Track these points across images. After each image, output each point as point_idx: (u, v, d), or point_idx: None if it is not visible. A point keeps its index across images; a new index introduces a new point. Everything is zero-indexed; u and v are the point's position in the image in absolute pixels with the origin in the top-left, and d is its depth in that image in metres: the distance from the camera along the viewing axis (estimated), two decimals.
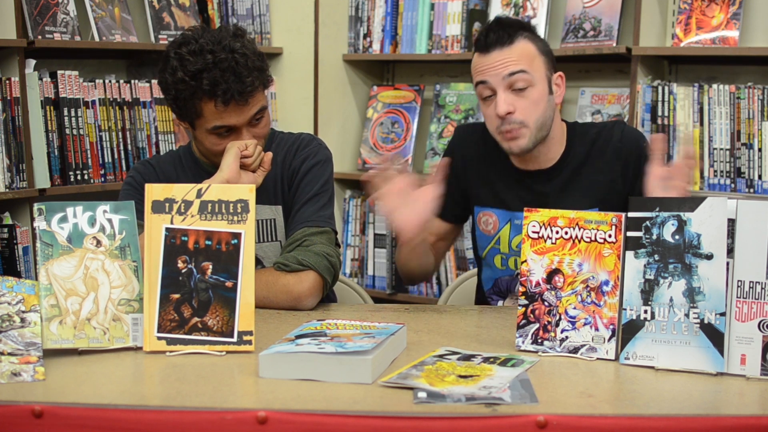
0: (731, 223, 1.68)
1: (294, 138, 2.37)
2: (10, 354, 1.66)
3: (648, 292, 1.73)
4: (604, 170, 2.29)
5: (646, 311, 1.73)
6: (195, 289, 1.81)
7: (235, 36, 2.18)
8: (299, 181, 2.30)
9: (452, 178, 2.39)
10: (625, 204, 2.14)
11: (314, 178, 2.29)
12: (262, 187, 2.23)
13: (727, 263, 1.68)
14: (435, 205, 2.16)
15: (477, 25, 3.78)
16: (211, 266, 1.82)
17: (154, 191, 1.84)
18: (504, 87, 2.20)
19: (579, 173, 2.30)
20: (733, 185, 3.21)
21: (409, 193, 2.14)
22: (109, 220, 1.83)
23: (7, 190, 3.10)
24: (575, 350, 1.79)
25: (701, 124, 3.26)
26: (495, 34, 2.21)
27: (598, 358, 1.77)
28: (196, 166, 2.32)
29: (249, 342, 1.80)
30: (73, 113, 3.26)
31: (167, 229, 1.82)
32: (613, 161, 2.29)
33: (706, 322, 1.69)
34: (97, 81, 3.35)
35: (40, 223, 1.80)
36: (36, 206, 1.81)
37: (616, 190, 2.27)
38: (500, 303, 2.41)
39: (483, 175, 2.37)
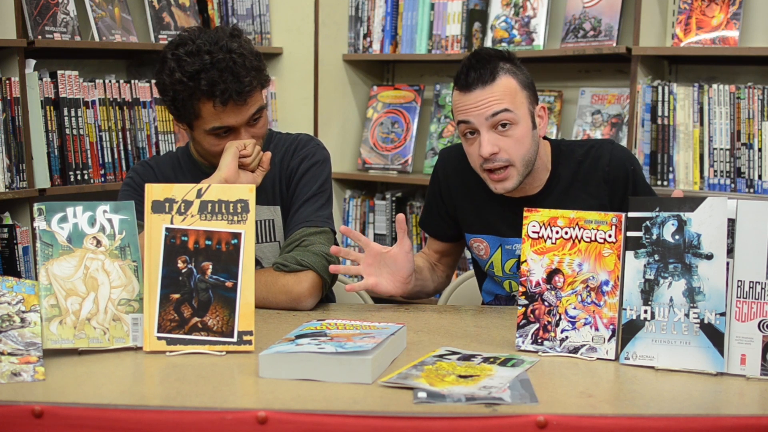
0: (731, 223, 1.68)
1: (292, 138, 2.37)
2: (10, 354, 1.66)
3: (648, 292, 1.73)
4: (593, 194, 2.23)
5: (646, 311, 1.73)
6: (195, 289, 1.81)
7: (232, 36, 2.18)
8: (297, 181, 2.30)
9: (440, 203, 2.38)
10: None
11: (312, 178, 2.29)
12: (261, 188, 2.23)
13: (727, 263, 1.68)
14: (411, 256, 2.20)
15: (477, 25, 3.78)
16: (211, 266, 1.82)
17: (154, 191, 1.83)
18: (487, 127, 2.12)
19: (567, 196, 2.24)
20: (733, 185, 3.21)
21: (383, 258, 2.18)
22: (109, 220, 1.83)
23: (7, 190, 3.10)
24: (575, 350, 1.79)
25: (701, 124, 3.26)
26: (476, 72, 2.13)
27: (598, 358, 1.77)
28: (194, 167, 2.32)
29: (249, 342, 1.80)
30: (73, 113, 3.27)
31: (167, 229, 1.82)
32: (601, 185, 2.23)
33: (706, 322, 1.69)
34: (97, 81, 3.35)
35: (40, 223, 1.80)
36: (36, 206, 1.81)
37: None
38: None
39: (471, 201, 2.33)
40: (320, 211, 2.26)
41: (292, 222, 2.26)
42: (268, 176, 2.25)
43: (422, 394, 1.53)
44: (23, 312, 1.74)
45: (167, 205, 1.83)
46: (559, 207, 2.13)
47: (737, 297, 1.68)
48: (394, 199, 3.99)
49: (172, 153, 2.41)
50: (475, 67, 2.14)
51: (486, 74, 2.13)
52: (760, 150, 3.16)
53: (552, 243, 1.82)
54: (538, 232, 1.83)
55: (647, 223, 1.74)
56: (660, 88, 3.30)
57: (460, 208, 2.36)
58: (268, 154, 2.21)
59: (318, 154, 2.33)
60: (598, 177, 2.24)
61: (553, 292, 1.81)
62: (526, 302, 1.83)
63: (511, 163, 2.15)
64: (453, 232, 2.41)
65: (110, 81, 3.39)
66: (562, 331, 1.80)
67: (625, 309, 1.75)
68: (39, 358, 1.67)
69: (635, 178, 2.24)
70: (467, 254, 3.75)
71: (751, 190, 3.18)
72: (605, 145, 2.28)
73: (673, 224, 1.72)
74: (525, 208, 1.85)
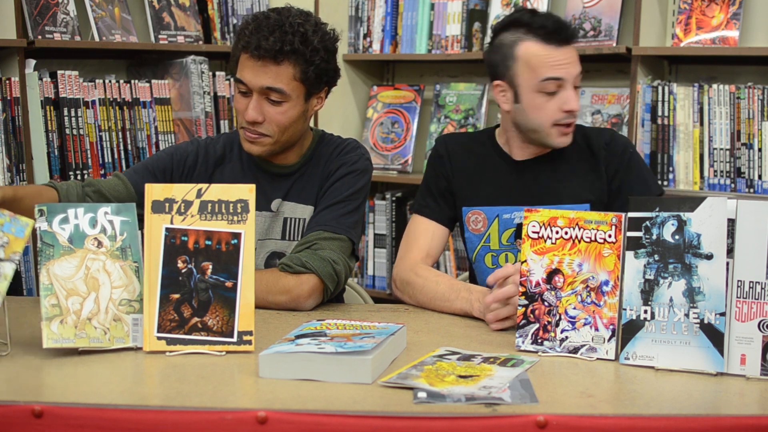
0: (731, 223, 1.68)
1: (339, 142, 2.36)
2: None
3: (648, 292, 1.73)
4: (595, 170, 2.34)
5: (646, 311, 1.73)
6: (195, 289, 1.81)
7: (306, 17, 2.23)
8: (330, 185, 2.27)
9: (443, 182, 2.41)
10: (607, 204, 2.28)
11: (345, 184, 2.27)
12: (303, 187, 2.27)
13: (727, 263, 1.68)
14: None
15: (477, 25, 3.78)
16: (211, 266, 1.82)
17: (154, 191, 1.83)
18: (573, 84, 2.25)
19: (566, 162, 2.35)
20: (733, 185, 3.21)
21: None
22: (110, 222, 1.83)
23: None
24: (575, 350, 1.79)
25: (701, 124, 3.26)
26: (568, 29, 2.24)
27: (598, 358, 1.77)
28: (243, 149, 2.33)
29: (249, 342, 1.80)
30: (73, 113, 3.26)
31: (167, 229, 1.82)
32: (601, 162, 2.34)
33: (706, 322, 1.69)
34: (97, 81, 3.35)
35: (41, 224, 1.80)
36: (37, 207, 1.81)
37: (603, 190, 2.33)
38: None
39: (470, 175, 2.39)
40: (343, 218, 2.23)
41: (312, 223, 2.25)
42: (312, 175, 2.27)
43: (422, 394, 1.53)
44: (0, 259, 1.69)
45: (167, 205, 1.83)
46: (556, 171, 2.33)
47: (737, 297, 1.68)
48: (394, 199, 3.99)
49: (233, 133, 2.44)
50: (565, 25, 2.26)
51: (576, 33, 2.28)
52: (760, 150, 3.15)
53: (552, 243, 1.82)
54: (537, 232, 1.83)
55: (647, 223, 1.74)
56: (660, 88, 3.30)
57: (460, 183, 2.39)
58: None
59: (359, 163, 2.31)
60: (603, 154, 2.34)
61: (553, 292, 1.82)
62: (526, 302, 1.83)
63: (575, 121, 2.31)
64: (452, 214, 2.42)
65: (110, 81, 3.38)
66: (562, 331, 1.80)
67: (625, 309, 1.75)
68: None
69: (630, 161, 2.35)
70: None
71: (751, 190, 3.17)
72: (608, 130, 2.45)
73: (673, 224, 1.72)
74: (525, 208, 1.86)
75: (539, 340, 1.82)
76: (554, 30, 2.23)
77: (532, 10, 2.30)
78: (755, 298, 1.67)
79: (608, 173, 2.33)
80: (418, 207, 2.44)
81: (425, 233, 2.39)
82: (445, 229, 2.42)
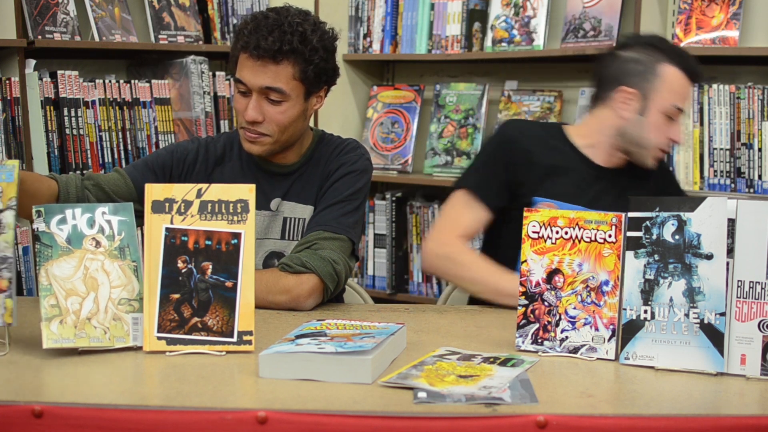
0: (731, 223, 1.68)
1: (339, 142, 2.36)
2: None
3: (648, 292, 1.73)
4: (647, 183, 2.48)
5: (646, 311, 1.73)
6: (195, 289, 1.81)
7: (305, 16, 2.22)
8: (330, 185, 2.28)
9: (504, 169, 2.39)
10: None
11: (344, 184, 2.27)
12: (303, 187, 2.26)
13: (727, 263, 1.68)
14: None
15: (477, 25, 3.78)
16: (211, 266, 1.82)
17: (154, 191, 1.83)
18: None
19: (639, 179, 2.46)
20: (733, 185, 3.21)
21: None
22: (108, 222, 1.83)
23: None
24: (575, 350, 1.79)
25: (701, 124, 3.26)
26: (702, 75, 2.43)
27: (598, 358, 1.77)
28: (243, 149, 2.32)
29: (249, 342, 1.80)
30: (73, 113, 3.27)
31: (167, 229, 1.82)
32: (650, 176, 2.49)
33: (706, 322, 1.69)
34: (97, 81, 3.35)
35: (39, 225, 1.80)
36: (35, 208, 1.80)
37: None
38: None
39: (548, 168, 2.40)
40: (343, 218, 2.23)
41: (312, 223, 2.25)
42: (312, 175, 2.27)
43: (422, 394, 1.53)
44: None
45: (167, 205, 1.83)
46: (629, 183, 2.45)
47: (737, 297, 1.68)
48: (394, 199, 3.99)
49: (232, 133, 2.43)
50: (700, 69, 2.42)
51: None
52: (760, 150, 3.15)
53: (552, 243, 1.82)
54: (537, 232, 1.83)
55: (647, 223, 1.74)
56: None
57: (534, 172, 2.39)
58: None
59: (359, 163, 2.31)
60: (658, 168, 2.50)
61: (553, 292, 1.81)
62: (526, 302, 1.83)
63: None
64: (501, 202, 2.41)
65: (110, 81, 3.38)
66: (562, 331, 1.80)
67: (625, 309, 1.75)
68: (9, 283, 1.56)
69: (674, 177, 2.65)
70: None
71: (751, 190, 3.17)
72: None
73: (673, 224, 1.72)
74: (525, 209, 1.86)
75: (539, 340, 1.82)
76: (698, 70, 2.39)
77: (668, 41, 2.47)
78: (755, 298, 1.67)
79: (656, 186, 2.49)
80: (473, 184, 2.42)
81: (471, 213, 2.39)
82: (490, 215, 2.40)
